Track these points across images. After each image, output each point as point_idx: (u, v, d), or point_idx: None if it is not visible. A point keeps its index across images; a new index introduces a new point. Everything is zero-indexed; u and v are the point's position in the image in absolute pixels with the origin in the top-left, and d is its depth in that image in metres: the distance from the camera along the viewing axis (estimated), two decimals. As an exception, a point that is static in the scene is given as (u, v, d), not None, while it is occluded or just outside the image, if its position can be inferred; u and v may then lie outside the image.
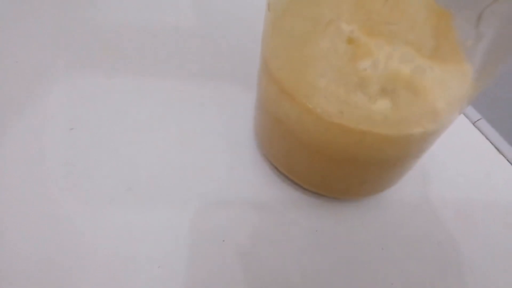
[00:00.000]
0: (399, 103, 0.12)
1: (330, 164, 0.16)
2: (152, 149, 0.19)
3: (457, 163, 0.22)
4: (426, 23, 0.11)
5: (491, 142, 0.23)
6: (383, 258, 0.17)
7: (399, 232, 0.18)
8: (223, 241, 0.17)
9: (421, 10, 0.11)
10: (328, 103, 0.13)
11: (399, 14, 0.11)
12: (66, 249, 0.15)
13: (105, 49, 0.24)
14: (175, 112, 0.21)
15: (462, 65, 0.12)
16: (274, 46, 0.14)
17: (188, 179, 0.19)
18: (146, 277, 0.15)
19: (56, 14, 0.25)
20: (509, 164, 0.22)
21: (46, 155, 0.18)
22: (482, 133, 0.24)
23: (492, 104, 0.25)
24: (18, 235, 0.16)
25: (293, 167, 0.17)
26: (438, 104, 0.13)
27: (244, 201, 0.18)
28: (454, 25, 0.11)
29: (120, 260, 0.15)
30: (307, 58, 0.13)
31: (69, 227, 0.16)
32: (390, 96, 0.12)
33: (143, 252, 0.16)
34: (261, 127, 0.18)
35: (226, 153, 0.20)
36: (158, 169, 0.19)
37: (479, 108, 0.25)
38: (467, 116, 0.25)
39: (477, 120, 0.24)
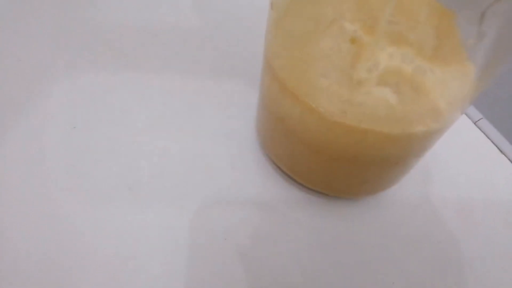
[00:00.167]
0: (401, 102, 0.12)
1: (332, 163, 0.16)
2: (153, 148, 0.19)
3: (458, 163, 0.22)
4: (428, 22, 0.11)
5: (492, 142, 0.23)
6: (384, 257, 0.17)
7: (400, 232, 0.18)
8: (225, 239, 0.16)
9: (423, 9, 0.11)
10: (330, 102, 0.13)
11: (402, 13, 0.11)
12: (66, 249, 0.15)
13: (105, 48, 0.24)
14: (177, 111, 0.21)
15: (464, 64, 0.12)
16: (277, 45, 0.14)
17: (190, 178, 0.18)
18: (146, 277, 0.15)
19: (56, 14, 0.25)
20: (511, 164, 0.22)
21: (46, 155, 0.18)
22: (484, 133, 0.24)
23: (494, 103, 0.25)
24: (18, 235, 0.16)
25: (295, 166, 0.17)
26: (440, 103, 0.13)
27: (245, 200, 0.18)
28: (456, 25, 0.11)
29: (120, 260, 0.15)
30: (310, 57, 0.13)
31: (69, 227, 0.16)
32: (392, 95, 0.12)
33: (143, 252, 0.16)
34: (263, 126, 0.18)
35: (228, 152, 0.20)
36: (159, 168, 0.19)
37: (481, 107, 0.25)
38: (468, 116, 0.24)
39: (479, 120, 0.24)
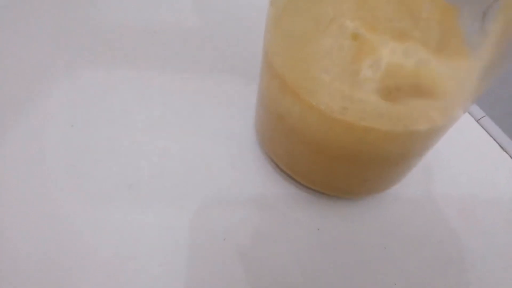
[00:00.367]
0: (403, 100, 0.12)
1: (333, 162, 0.15)
2: (152, 147, 0.19)
3: (461, 161, 0.22)
4: (431, 19, 0.11)
5: (494, 140, 0.23)
6: (385, 257, 0.17)
7: (402, 231, 0.18)
8: (224, 239, 0.16)
9: (426, 5, 0.10)
10: (331, 100, 0.13)
11: (404, 9, 0.10)
12: (66, 249, 0.15)
13: (105, 48, 0.24)
14: (176, 111, 0.21)
15: (467, 62, 0.12)
16: (277, 42, 0.14)
17: (189, 177, 0.18)
18: (146, 277, 0.15)
19: (56, 14, 0.25)
20: (513, 162, 0.22)
21: (46, 154, 0.18)
22: (486, 131, 0.24)
23: (496, 101, 0.24)
24: (18, 235, 0.16)
25: (295, 165, 0.17)
26: (443, 102, 0.13)
27: (245, 200, 0.18)
28: (459, 21, 0.11)
29: (120, 260, 0.15)
30: (310, 54, 0.13)
31: (69, 227, 0.16)
32: (394, 92, 0.12)
33: (143, 252, 0.16)
34: (262, 125, 0.18)
35: (228, 151, 0.20)
36: (159, 168, 0.19)
37: (483, 105, 0.24)
38: (471, 114, 0.24)
39: (481, 118, 0.24)
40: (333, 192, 0.18)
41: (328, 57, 0.12)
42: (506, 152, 0.23)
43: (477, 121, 0.24)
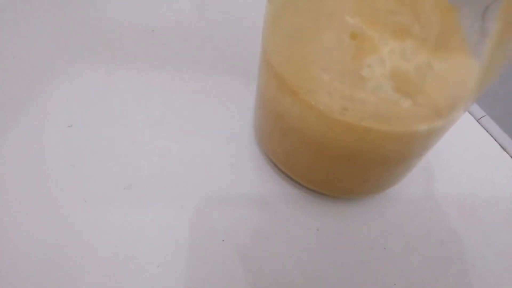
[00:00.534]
0: (404, 99, 0.12)
1: (332, 162, 0.15)
2: (152, 147, 0.19)
3: (461, 160, 0.22)
4: (431, 18, 0.11)
5: (495, 139, 0.23)
6: (385, 257, 0.17)
7: (402, 231, 0.18)
8: (224, 239, 0.16)
9: (426, 4, 0.10)
10: (331, 99, 0.13)
11: (404, 7, 0.10)
12: (66, 249, 0.15)
13: (105, 48, 0.24)
14: (175, 110, 0.21)
15: (468, 61, 0.12)
16: (275, 40, 0.14)
17: (188, 177, 0.18)
18: (146, 277, 0.15)
19: (56, 14, 0.25)
20: (514, 162, 0.22)
21: (46, 154, 0.18)
22: (486, 130, 0.23)
23: (496, 101, 0.24)
24: (18, 235, 0.16)
25: (295, 165, 0.17)
26: (443, 101, 0.13)
27: (244, 200, 0.18)
28: (459, 20, 0.10)
29: (120, 260, 0.15)
30: (309, 52, 0.13)
31: (69, 227, 0.16)
32: (394, 92, 0.12)
33: (143, 252, 0.16)
34: (261, 125, 0.18)
35: (226, 151, 0.20)
36: (158, 168, 0.19)
37: (483, 105, 0.24)
38: (471, 113, 0.24)
39: (481, 117, 0.24)
40: (333, 192, 0.18)
41: (327, 56, 0.12)
42: (507, 152, 0.23)
43: (477, 121, 0.24)
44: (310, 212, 0.18)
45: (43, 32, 0.24)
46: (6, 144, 0.18)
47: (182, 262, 0.16)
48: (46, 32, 0.24)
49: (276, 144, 0.17)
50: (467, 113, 0.24)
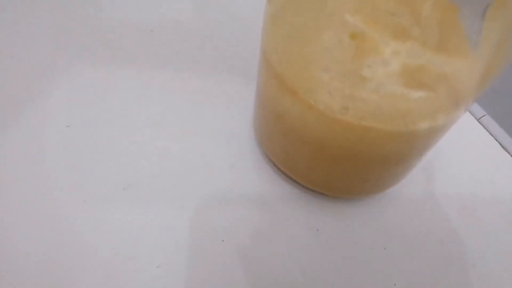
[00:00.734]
0: (404, 98, 0.12)
1: (332, 162, 0.15)
2: (152, 147, 0.19)
3: (461, 160, 0.21)
4: (432, 17, 0.10)
5: (495, 139, 0.23)
6: (385, 258, 0.17)
7: (402, 231, 0.18)
8: (224, 238, 0.16)
9: (426, 3, 0.10)
10: (331, 99, 0.13)
11: (405, 6, 0.10)
12: (66, 249, 0.15)
13: (105, 48, 0.24)
14: (175, 110, 0.21)
15: (468, 60, 0.12)
16: (275, 39, 0.14)
17: (188, 177, 0.18)
18: (146, 277, 0.15)
19: (56, 13, 0.25)
20: (514, 161, 0.22)
21: (46, 154, 0.18)
22: (487, 130, 0.23)
23: (497, 100, 0.24)
24: (18, 235, 0.16)
25: (294, 165, 0.17)
26: (444, 100, 0.13)
27: (244, 200, 0.18)
28: (460, 19, 0.10)
29: (120, 260, 0.15)
30: (309, 52, 0.13)
31: (68, 227, 0.16)
32: (394, 91, 0.12)
33: (143, 252, 0.16)
34: (261, 125, 0.18)
35: (226, 151, 0.20)
36: (157, 168, 0.19)
37: (484, 104, 0.24)
38: (471, 113, 0.24)
39: (482, 117, 0.24)
40: (333, 192, 0.18)
41: (327, 55, 0.12)
42: (507, 151, 0.23)
43: (477, 120, 0.24)
44: (310, 212, 0.18)
45: (43, 32, 0.24)
46: (6, 144, 0.18)
47: (182, 262, 0.16)
48: (46, 32, 0.24)
49: (276, 144, 0.17)
50: (467, 112, 0.24)
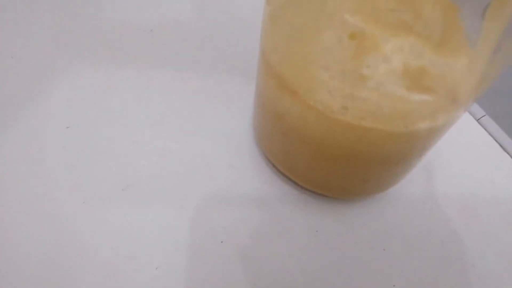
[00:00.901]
0: (404, 99, 0.12)
1: (332, 162, 0.15)
2: (151, 147, 0.19)
3: (461, 160, 0.22)
4: (432, 16, 0.10)
5: (495, 139, 0.23)
6: (385, 258, 0.17)
7: (402, 231, 0.18)
8: (224, 239, 0.16)
9: (427, 3, 0.10)
10: (331, 99, 0.13)
11: (405, 5, 0.10)
12: (66, 249, 0.15)
13: (105, 48, 0.24)
14: (175, 110, 0.21)
15: (469, 59, 0.12)
16: (274, 39, 0.14)
17: (187, 177, 0.18)
18: (146, 277, 0.15)
19: (56, 13, 0.25)
20: (514, 161, 0.22)
21: (46, 154, 0.18)
22: (486, 130, 0.23)
23: (496, 100, 0.24)
24: (18, 235, 0.16)
25: (294, 165, 0.17)
26: (443, 101, 0.13)
27: (243, 201, 0.18)
28: (461, 18, 0.10)
29: (120, 260, 0.15)
30: (309, 51, 0.13)
31: (68, 227, 0.16)
32: (394, 91, 0.12)
33: (143, 252, 0.16)
34: (260, 125, 0.18)
35: (226, 151, 0.20)
36: (157, 168, 0.19)
37: (483, 104, 0.24)
38: (471, 113, 0.24)
39: (481, 117, 0.24)
40: (333, 193, 0.18)
41: (327, 55, 0.12)
42: (507, 152, 0.23)
43: (477, 120, 0.24)
44: (310, 212, 0.18)
45: (43, 32, 0.24)
46: (6, 144, 0.18)
47: (181, 262, 0.16)
48: (46, 32, 0.24)
49: (276, 144, 0.17)
50: (467, 112, 0.24)
